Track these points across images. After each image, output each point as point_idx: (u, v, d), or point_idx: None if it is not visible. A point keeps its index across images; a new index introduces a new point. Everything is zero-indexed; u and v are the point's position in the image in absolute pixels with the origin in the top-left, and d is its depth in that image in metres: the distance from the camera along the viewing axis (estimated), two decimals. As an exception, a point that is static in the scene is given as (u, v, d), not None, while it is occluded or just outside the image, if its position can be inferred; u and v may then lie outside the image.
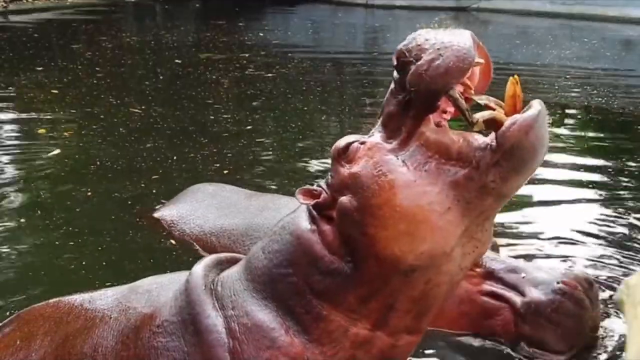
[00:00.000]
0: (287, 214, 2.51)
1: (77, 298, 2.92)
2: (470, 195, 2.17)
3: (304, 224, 2.37)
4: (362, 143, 2.30)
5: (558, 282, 3.36)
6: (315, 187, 2.39)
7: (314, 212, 2.36)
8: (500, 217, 4.77)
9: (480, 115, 2.17)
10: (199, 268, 2.56)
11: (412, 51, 2.18)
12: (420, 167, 2.18)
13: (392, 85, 2.27)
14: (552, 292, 3.35)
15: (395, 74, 2.26)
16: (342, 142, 2.34)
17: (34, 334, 2.84)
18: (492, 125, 2.16)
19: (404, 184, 2.17)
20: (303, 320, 2.33)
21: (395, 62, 2.23)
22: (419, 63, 2.15)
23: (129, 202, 5.34)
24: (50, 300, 3.03)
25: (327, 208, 2.34)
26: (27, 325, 2.92)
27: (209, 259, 2.67)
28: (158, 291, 2.66)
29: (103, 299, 2.82)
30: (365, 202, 2.22)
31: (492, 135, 2.15)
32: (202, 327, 2.40)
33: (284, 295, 2.36)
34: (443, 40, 2.15)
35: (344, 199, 2.28)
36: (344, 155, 2.31)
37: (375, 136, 2.30)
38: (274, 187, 5.73)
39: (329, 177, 2.37)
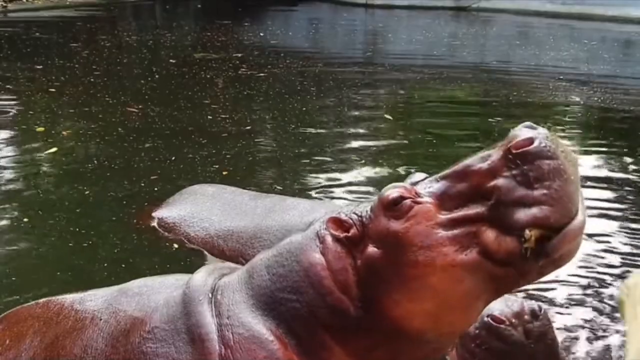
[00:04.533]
0: (296, 234, 2.44)
1: (66, 298, 2.91)
2: (503, 288, 2.14)
3: (314, 255, 2.30)
4: (415, 202, 2.16)
5: (487, 316, 3.08)
6: (345, 216, 2.30)
7: (329, 245, 2.28)
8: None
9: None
10: (198, 278, 2.55)
11: (533, 169, 2.00)
12: (463, 252, 2.09)
13: (490, 162, 2.09)
14: (479, 326, 3.10)
15: (500, 153, 2.06)
16: (393, 194, 2.19)
17: (24, 333, 2.84)
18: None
19: (443, 266, 2.09)
20: (305, 343, 2.29)
21: (511, 151, 2.03)
22: (532, 194, 1.99)
23: (129, 203, 5.31)
24: (40, 300, 3.03)
25: (353, 245, 2.26)
26: (16, 325, 2.91)
27: (207, 267, 2.66)
28: (148, 295, 2.65)
29: (93, 300, 2.81)
30: (398, 267, 2.14)
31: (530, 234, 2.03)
32: (195, 335, 2.39)
33: (286, 317, 2.31)
34: (563, 191, 1.99)
35: (376, 252, 2.20)
36: (393, 208, 2.18)
37: (430, 200, 2.16)
38: (274, 188, 5.69)
39: (366, 215, 2.26)
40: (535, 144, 2.01)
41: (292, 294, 2.31)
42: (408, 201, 2.16)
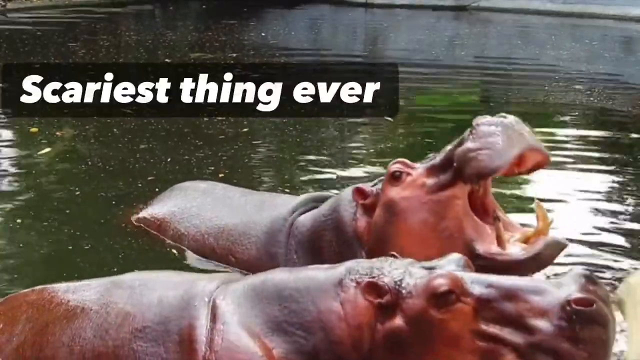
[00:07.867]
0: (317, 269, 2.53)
1: (61, 286, 2.98)
2: None
3: (332, 303, 2.36)
4: (460, 300, 2.23)
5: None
6: (381, 281, 2.34)
7: (350, 297, 2.33)
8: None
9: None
10: (199, 284, 2.59)
11: (584, 330, 2.10)
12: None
13: (545, 302, 2.20)
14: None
15: (557, 299, 2.19)
16: (443, 287, 2.24)
17: (17, 319, 2.89)
18: None
19: None
20: None
21: (570, 304, 2.15)
22: (573, 352, 2.11)
23: (124, 204, 5.22)
24: (36, 287, 3.07)
25: (382, 309, 2.31)
26: (11, 310, 2.98)
27: (211, 275, 2.78)
28: (141, 290, 2.70)
29: (86, 289, 2.86)
30: (420, 352, 2.24)
31: None
32: (185, 337, 2.44)
33: (287, 346, 2.35)
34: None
35: (404, 328, 2.26)
36: (439, 299, 2.24)
37: (473, 303, 2.24)
38: (271, 190, 5.60)
39: (406, 289, 2.30)
40: (595, 307, 2.07)
41: (300, 330, 2.35)
42: (453, 296, 2.21)
